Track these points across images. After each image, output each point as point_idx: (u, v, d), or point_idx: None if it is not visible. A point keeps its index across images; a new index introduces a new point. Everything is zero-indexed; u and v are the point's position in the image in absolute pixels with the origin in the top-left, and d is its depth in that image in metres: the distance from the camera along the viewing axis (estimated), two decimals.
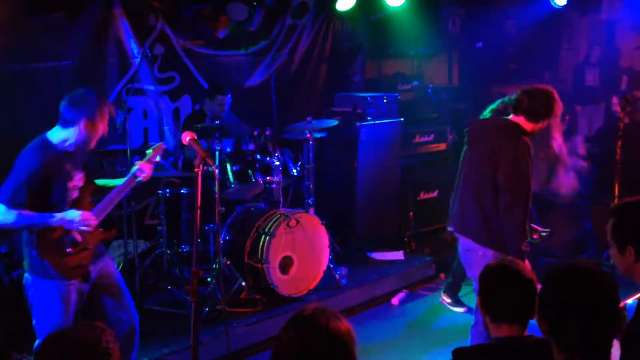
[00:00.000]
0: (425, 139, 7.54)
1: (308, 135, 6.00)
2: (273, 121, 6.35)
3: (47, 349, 2.16)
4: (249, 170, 5.73)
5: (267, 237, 5.41)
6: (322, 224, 5.78)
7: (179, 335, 4.92)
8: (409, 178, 7.30)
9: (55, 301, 3.62)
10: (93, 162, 4.10)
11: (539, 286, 2.39)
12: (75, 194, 3.69)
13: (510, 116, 4.23)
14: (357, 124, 6.86)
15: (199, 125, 5.51)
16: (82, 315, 3.80)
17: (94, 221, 3.69)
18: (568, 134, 6.63)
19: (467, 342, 4.21)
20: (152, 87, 6.36)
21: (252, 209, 5.90)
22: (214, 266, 5.45)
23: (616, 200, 5.55)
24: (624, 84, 9.08)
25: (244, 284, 5.49)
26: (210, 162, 3.59)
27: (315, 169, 6.17)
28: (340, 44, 7.79)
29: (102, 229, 3.83)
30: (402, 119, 7.20)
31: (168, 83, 6.51)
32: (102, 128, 3.68)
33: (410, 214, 7.22)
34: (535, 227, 4.64)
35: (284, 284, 5.54)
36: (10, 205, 3.51)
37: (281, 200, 5.83)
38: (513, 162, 4.08)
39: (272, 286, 5.43)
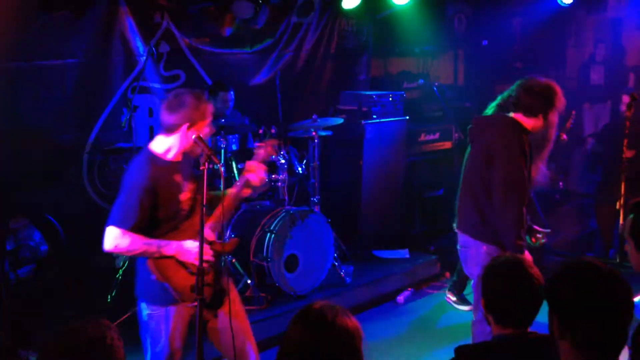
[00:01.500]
0: (431, 137, 7.53)
1: (313, 133, 6.00)
2: (278, 119, 6.35)
3: (53, 345, 2.17)
4: None
5: (273, 235, 5.41)
6: (328, 222, 5.78)
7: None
8: (415, 176, 7.30)
9: (167, 326, 3.44)
10: (194, 170, 3.69)
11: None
12: (187, 206, 3.47)
13: (511, 113, 4.21)
14: (363, 122, 6.85)
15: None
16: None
17: (210, 257, 3.41)
18: (575, 131, 6.63)
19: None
20: (157, 85, 6.37)
21: (258, 207, 5.91)
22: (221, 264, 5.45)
23: (622, 199, 5.55)
24: (631, 83, 9.04)
25: (249, 282, 5.49)
26: (215, 160, 3.55)
27: (321, 167, 6.17)
28: (346, 42, 7.78)
29: (222, 240, 3.59)
30: (407, 117, 7.19)
31: (173, 81, 6.51)
32: (206, 129, 3.46)
33: (416, 212, 7.22)
34: (536, 227, 4.62)
35: (289, 282, 5.54)
36: (124, 227, 3.28)
37: (286, 198, 5.83)
38: (506, 159, 4.05)
39: (277, 284, 5.43)
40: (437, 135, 7.57)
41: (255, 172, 3.61)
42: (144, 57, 6.02)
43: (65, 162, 5.80)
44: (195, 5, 6.49)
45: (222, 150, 5.42)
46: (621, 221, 5.36)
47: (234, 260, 5.53)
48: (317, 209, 5.96)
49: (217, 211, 3.53)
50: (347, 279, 5.97)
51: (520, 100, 4.14)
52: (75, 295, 5.36)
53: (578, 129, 8.76)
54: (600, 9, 9.18)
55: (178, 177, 3.44)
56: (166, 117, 3.42)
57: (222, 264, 3.68)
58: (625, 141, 5.81)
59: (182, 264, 3.41)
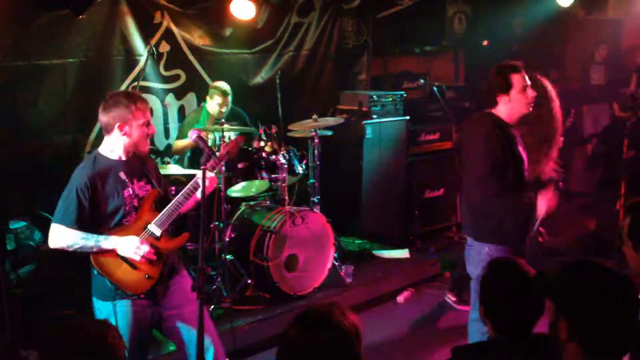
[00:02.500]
0: (431, 137, 7.54)
1: (314, 133, 6.00)
2: (279, 119, 6.35)
3: (55, 344, 2.17)
4: (255, 168, 5.73)
5: (273, 235, 5.41)
6: (328, 222, 5.78)
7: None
8: (415, 176, 7.30)
9: (117, 323, 3.45)
10: (157, 168, 3.89)
11: None
12: (135, 202, 3.58)
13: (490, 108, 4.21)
14: (363, 122, 6.86)
15: (204, 123, 5.52)
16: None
17: (150, 254, 3.52)
18: (574, 131, 6.63)
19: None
20: (158, 85, 6.37)
21: (258, 206, 5.91)
22: (219, 264, 5.46)
23: (622, 199, 5.55)
24: (633, 83, 9.05)
25: (249, 281, 5.49)
26: (216, 162, 3.59)
27: (321, 167, 6.16)
28: (346, 42, 7.78)
29: (170, 236, 3.68)
30: (407, 117, 7.20)
31: (174, 81, 6.51)
32: (141, 129, 3.56)
33: (416, 212, 7.22)
34: (541, 230, 4.62)
35: (289, 281, 5.54)
36: (64, 224, 3.45)
37: (286, 198, 5.83)
38: (475, 154, 4.06)
39: (277, 284, 5.43)
40: (437, 136, 7.58)
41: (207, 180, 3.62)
42: (144, 57, 6.02)
43: (65, 162, 5.78)
44: (196, 5, 6.49)
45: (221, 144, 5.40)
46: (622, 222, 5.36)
47: (233, 260, 5.53)
48: (317, 208, 5.96)
49: (163, 212, 3.61)
50: (347, 279, 5.97)
51: (482, 93, 4.17)
52: (75, 295, 5.35)
53: (578, 129, 8.76)
54: (600, 9, 9.19)
55: (122, 174, 3.57)
56: (101, 117, 3.57)
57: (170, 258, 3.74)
58: (626, 141, 5.82)
59: (124, 259, 3.51)
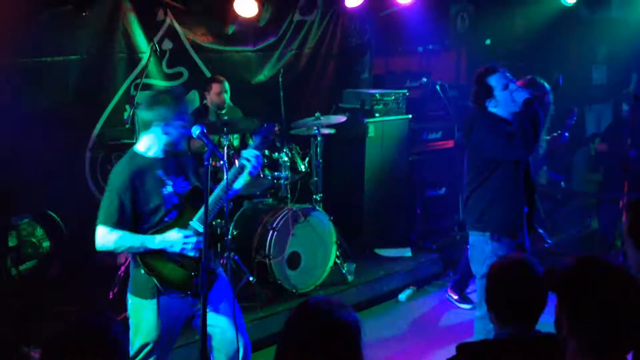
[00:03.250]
0: (433, 135, 7.53)
1: (316, 131, 6.00)
2: (281, 117, 6.35)
3: (57, 337, 2.16)
4: None
5: (275, 233, 5.40)
6: (330, 219, 5.78)
7: (186, 330, 4.90)
8: (417, 175, 7.30)
9: (153, 316, 3.54)
10: (195, 166, 3.82)
11: None
12: (175, 200, 3.57)
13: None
14: (365, 120, 6.85)
15: (208, 120, 5.52)
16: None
17: (197, 242, 3.52)
18: (576, 130, 6.63)
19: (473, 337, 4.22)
20: (160, 82, 6.36)
21: (260, 204, 5.91)
22: (221, 261, 5.45)
23: (625, 198, 5.54)
24: (634, 83, 9.04)
25: (251, 279, 5.49)
26: (219, 156, 3.59)
27: (323, 165, 6.16)
28: (349, 41, 7.77)
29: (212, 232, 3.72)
30: (410, 116, 7.19)
31: (176, 78, 6.51)
32: (182, 129, 3.56)
33: (418, 210, 7.21)
34: (541, 232, 4.63)
35: (292, 279, 5.54)
36: (109, 225, 3.43)
37: (289, 196, 5.83)
38: (477, 143, 4.16)
39: (279, 281, 5.43)
40: (439, 134, 7.57)
41: (251, 160, 3.63)
42: (147, 54, 6.02)
43: (67, 159, 5.79)
44: (199, 2, 6.49)
45: (225, 147, 5.41)
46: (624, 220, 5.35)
47: (236, 257, 5.52)
48: (319, 206, 5.95)
49: (202, 209, 3.54)
50: (349, 277, 5.97)
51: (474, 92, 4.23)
52: (77, 291, 5.35)
53: (580, 128, 8.76)
54: (604, 8, 9.17)
55: (161, 173, 3.55)
56: (144, 114, 3.57)
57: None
58: (629, 141, 5.81)
59: (169, 257, 3.51)
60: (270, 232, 5.43)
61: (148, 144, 3.58)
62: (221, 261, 5.43)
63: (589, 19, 8.76)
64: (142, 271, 3.50)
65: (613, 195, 6.68)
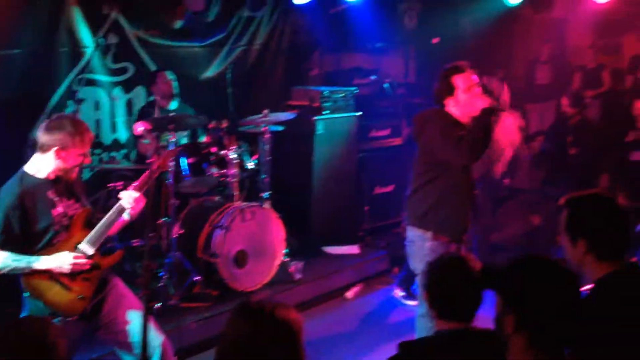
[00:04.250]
0: (382, 133, 7.59)
1: (264, 128, 5.97)
2: (229, 114, 6.30)
3: None
4: (204, 163, 5.66)
5: (222, 231, 5.36)
6: (278, 217, 5.76)
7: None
8: (365, 172, 7.34)
9: None
10: (85, 189, 3.84)
11: None
12: (64, 221, 3.51)
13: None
14: (314, 117, 6.85)
15: (153, 117, 5.44)
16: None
17: (86, 264, 3.48)
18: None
19: None
20: (105, 78, 6.24)
21: (207, 202, 5.85)
22: (166, 261, 5.38)
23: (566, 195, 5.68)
24: (576, 82, 9.28)
25: (197, 278, 5.43)
26: (161, 162, 3.57)
27: (272, 163, 6.13)
28: (298, 38, 7.76)
29: (102, 255, 3.61)
30: (359, 113, 7.22)
31: (121, 74, 6.39)
32: (77, 160, 3.50)
33: (366, 208, 7.26)
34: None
35: (239, 278, 5.50)
36: None
37: (236, 193, 5.79)
38: (429, 143, 4.16)
39: (225, 280, 5.38)
40: (388, 132, 7.63)
41: (130, 202, 3.59)
42: (91, 49, 5.89)
43: (7, 157, 5.61)
44: None
45: (171, 145, 5.33)
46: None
47: (181, 256, 5.46)
48: (267, 204, 5.93)
49: (94, 230, 3.55)
50: (297, 275, 5.96)
51: (433, 95, 4.23)
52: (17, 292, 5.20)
53: (524, 127, 8.94)
54: (546, 8, 9.38)
55: (51, 194, 3.50)
56: (41, 136, 3.49)
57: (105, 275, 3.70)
58: (570, 139, 5.96)
59: (56, 280, 3.45)
60: (217, 230, 5.38)
61: (39, 166, 3.52)
62: (166, 260, 5.38)
63: (533, 19, 8.95)
64: (28, 294, 3.43)
65: (554, 192, 6.84)
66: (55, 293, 3.45)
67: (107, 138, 6.34)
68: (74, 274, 3.47)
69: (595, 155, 7.52)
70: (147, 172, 3.73)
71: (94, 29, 5.98)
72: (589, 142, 7.11)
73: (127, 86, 6.44)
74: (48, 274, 3.42)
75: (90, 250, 3.51)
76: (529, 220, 7.79)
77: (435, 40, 8.91)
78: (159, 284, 5.24)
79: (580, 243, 2.62)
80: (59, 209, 3.51)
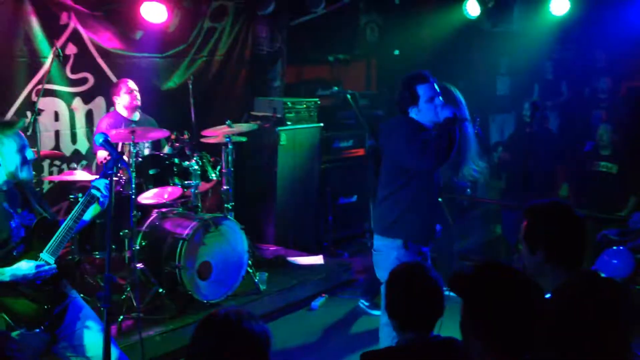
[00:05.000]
0: (344, 144, 7.64)
1: (227, 139, 5.95)
2: (191, 125, 6.26)
3: None
4: (167, 174, 5.61)
5: (185, 242, 5.31)
6: (242, 228, 5.74)
7: None
8: (328, 183, 7.37)
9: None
10: (38, 196, 3.76)
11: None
12: (22, 233, 3.45)
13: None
14: (277, 128, 6.85)
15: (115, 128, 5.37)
16: None
17: (50, 269, 3.43)
18: (481, 139, 6.86)
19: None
20: (64, 89, 6.14)
21: (170, 213, 5.79)
22: (129, 273, 5.31)
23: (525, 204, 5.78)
24: (535, 93, 9.47)
25: (160, 290, 5.37)
26: (123, 166, 3.52)
27: (235, 174, 6.10)
28: (260, 49, 7.76)
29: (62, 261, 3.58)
30: (321, 124, 7.25)
31: (81, 84, 6.30)
32: (15, 155, 3.43)
33: (330, 218, 7.28)
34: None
35: (202, 289, 5.45)
36: None
37: (199, 205, 5.75)
38: (396, 149, 4.19)
39: (189, 292, 5.33)
40: (350, 142, 7.69)
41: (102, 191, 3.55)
42: (49, 59, 5.80)
43: None
44: (104, 7, 6.30)
45: (133, 155, 5.27)
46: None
47: (144, 268, 5.39)
48: (231, 215, 5.90)
49: (54, 237, 3.50)
50: (261, 286, 5.94)
51: (395, 103, 4.28)
52: None
53: (484, 138, 9.08)
54: (505, 21, 9.56)
55: (5, 205, 3.44)
56: None
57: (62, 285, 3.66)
58: (528, 149, 6.07)
59: (20, 291, 3.40)
60: (180, 241, 5.32)
61: None
62: (129, 272, 5.31)
63: (492, 32, 9.10)
64: None
65: (514, 201, 6.96)
66: (21, 305, 3.39)
67: (67, 149, 6.23)
68: (37, 284, 3.42)
69: (553, 164, 7.68)
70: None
71: (52, 38, 5.88)
72: (547, 151, 7.25)
73: (87, 97, 6.35)
74: (12, 286, 3.36)
75: (51, 260, 3.47)
76: (490, 229, 7.91)
77: (396, 52, 9.01)
78: (122, 296, 5.17)
79: (538, 252, 2.68)
80: (15, 220, 3.46)
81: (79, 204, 3.52)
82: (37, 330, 3.42)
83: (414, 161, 4.10)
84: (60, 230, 3.50)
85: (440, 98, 4.20)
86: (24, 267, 3.37)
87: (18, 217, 3.48)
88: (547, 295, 2.64)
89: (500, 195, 8.05)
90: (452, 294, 2.28)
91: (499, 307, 2.09)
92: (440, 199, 4.53)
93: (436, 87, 4.21)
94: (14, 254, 3.43)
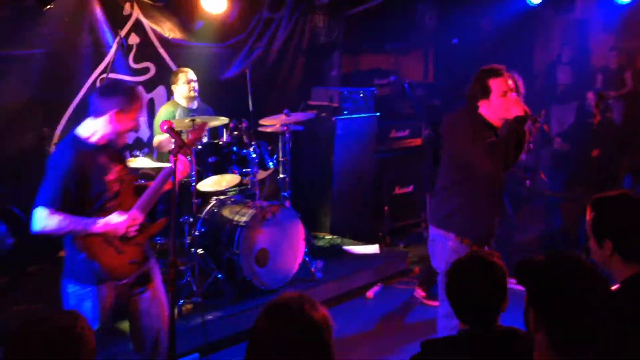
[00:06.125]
0: (401, 134, 7.59)
1: (284, 128, 5.98)
2: (249, 113, 6.32)
3: (23, 334, 2.12)
4: (225, 162, 5.69)
5: (244, 230, 5.37)
6: (298, 217, 5.77)
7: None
8: (384, 173, 7.34)
9: (93, 305, 3.49)
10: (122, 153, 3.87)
11: (512, 280, 2.40)
12: (116, 187, 3.55)
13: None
14: (334, 117, 6.86)
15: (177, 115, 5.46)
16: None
17: (140, 219, 3.57)
18: (542, 130, 6.73)
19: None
20: (126, 78, 6.28)
21: (228, 201, 5.87)
22: (189, 258, 5.41)
23: (589, 196, 5.65)
24: (599, 83, 9.20)
25: (219, 276, 5.46)
26: (187, 152, 3.58)
27: (292, 162, 6.14)
28: (317, 38, 7.78)
29: (148, 221, 3.69)
30: (378, 114, 7.22)
31: (143, 73, 6.44)
32: (131, 123, 3.53)
33: (386, 208, 7.25)
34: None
35: (260, 276, 5.51)
36: (52, 208, 3.33)
37: (257, 192, 5.81)
38: (459, 142, 4.10)
39: (247, 278, 5.40)
40: (407, 132, 7.62)
41: (181, 164, 3.65)
42: (113, 49, 5.94)
43: (32, 154, 5.68)
44: None
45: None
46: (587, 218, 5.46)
47: (204, 254, 5.48)
48: (287, 203, 5.94)
49: (144, 195, 3.65)
50: (318, 274, 5.97)
51: (466, 96, 4.17)
52: (39, 288, 5.26)
53: (545, 132, 8.89)
54: (567, 9, 9.33)
55: (103, 159, 3.52)
56: (96, 101, 3.50)
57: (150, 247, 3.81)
58: (593, 140, 5.92)
59: (110, 243, 3.51)
60: (239, 229, 5.39)
61: (92, 130, 3.51)
62: (189, 257, 5.41)
63: (554, 20, 8.91)
64: (83, 256, 3.44)
65: (576, 193, 6.80)
66: (110, 255, 3.50)
67: (129, 137, 6.37)
68: (127, 238, 3.54)
69: (616, 156, 7.47)
70: (188, 140, 3.77)
71: (116, 28, 6.02)
72: (611, 143, 7.06)
73: (149, 86, 6.49)
74: (102, 237, 3.47)
75: (140, 216, 3.58)
76: (550, 221, 7.75)
77: (454, 42, 8.88)
78: (182, 282, 5.28)
79: (606, 244, 2.62)
80: (111, 175, 3.54)
81: (161, 175, 3.67)
82: (121, 282, 3.54)
83: (480, 161, 3.99)
84: (149, 188, 3.65)
85: (514, 94, 4.08)
86: (116, 219, 3.48)
87: (113, 172, 3.56)
88: (615, 288, 2.58)
89: (560, 187, 7.87)
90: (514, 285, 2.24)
91: (565, 300, 2.04)
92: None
93: (510, 83, 4.05)
94: (107, 207, 3.53)
